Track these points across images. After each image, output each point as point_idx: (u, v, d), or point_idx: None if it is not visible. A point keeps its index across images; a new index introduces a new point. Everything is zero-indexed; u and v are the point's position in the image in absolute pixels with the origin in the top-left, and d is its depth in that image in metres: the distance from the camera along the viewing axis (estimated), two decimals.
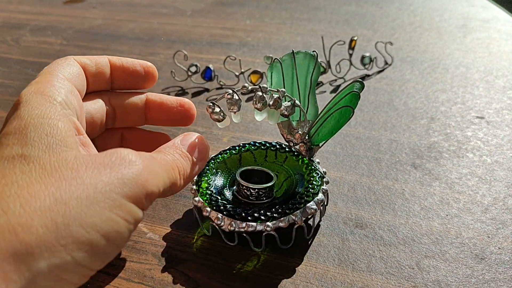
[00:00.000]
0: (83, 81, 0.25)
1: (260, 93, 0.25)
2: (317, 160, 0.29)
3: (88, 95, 0.26)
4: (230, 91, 0.25)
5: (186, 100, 0.28)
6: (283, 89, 0.25)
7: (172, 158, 0.23)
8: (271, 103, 0.25)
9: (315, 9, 0.66)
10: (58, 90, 0.22)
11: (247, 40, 0.56)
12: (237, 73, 0.45)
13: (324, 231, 0.28)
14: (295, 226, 0.25)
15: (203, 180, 0.27)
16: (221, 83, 0.45)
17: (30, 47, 0.57)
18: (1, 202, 0.17)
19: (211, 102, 0.26)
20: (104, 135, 0.28)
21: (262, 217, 0.25)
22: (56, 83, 0.22)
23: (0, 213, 0.16)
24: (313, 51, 0.28)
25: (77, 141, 0.21)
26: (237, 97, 0.25)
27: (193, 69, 0.45)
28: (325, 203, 0.28)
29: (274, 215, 0.25)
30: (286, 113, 0.25)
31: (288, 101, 0.26)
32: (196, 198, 0.26)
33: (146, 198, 0.20)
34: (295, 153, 0.29)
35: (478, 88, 0.43)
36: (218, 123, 0.26)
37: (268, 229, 0.24)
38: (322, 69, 0.45)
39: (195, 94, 0.44)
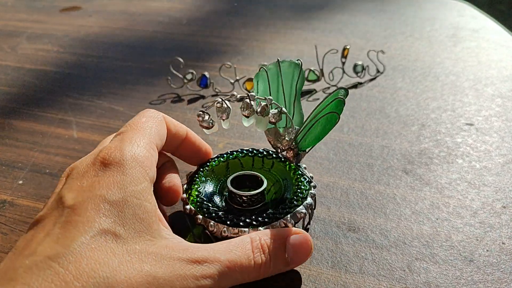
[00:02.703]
0: (164, 139, 0.27)
1: (248, 101, 0.26)
2: (304, 165, 0.30)
3: (150, 114, 0.28)
4: (220, 100, 0.26)
5: (209, 148, 0.30)
6: (270, 97, 0.26)
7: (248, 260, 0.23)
8: (258, 110, 0.26)
9: (308, 19, 0.67)
10: (151, 163, 0.24)
11: (242, 48, 0.57)
12: (232, 81, 0.46)
13: (317, 234, 0.28)
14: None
15: (193, 188, 0.28)
16: (216, 90, 0.46)
17: (27, 54, 0.58)
18: (94, 277, 0.19)
19: (200, 110, 0.27)
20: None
21: (254, 223, 0.25)
22: (151, 151, 0.24)
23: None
24: (297, 60, 0.29)
25: (158, 225, 0.22)
26: (226, 105, 0.26)
27: (189, 76, 0.46)
28: (313, 207, 0.28)
29: (265, 220, 0.25)
30: (273, 120, 0.26)
31: (275, 109, 0.26)
32: (187, 206, 0.27)
33: None
34: (282, 159, 0.30)
35: (468, 96, 0.44)
36: (205, 130, 0.27)
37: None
38: (315, 77, 0.46)
39: (191, 101, 0.45)
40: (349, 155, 0.36)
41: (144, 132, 0.25)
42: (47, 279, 0.18)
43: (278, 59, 0.29)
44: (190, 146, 0.29)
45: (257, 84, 0.29)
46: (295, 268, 0.26)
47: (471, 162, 0.35)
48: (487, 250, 0.27)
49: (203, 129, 0.27)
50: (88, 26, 0.67)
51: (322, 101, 0.27)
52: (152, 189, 0.24)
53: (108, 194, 0.21)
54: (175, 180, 0.27)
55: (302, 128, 0.28)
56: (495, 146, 0.36)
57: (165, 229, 0.23)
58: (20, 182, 0.34)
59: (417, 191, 0.32)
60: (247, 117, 0.26)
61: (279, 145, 0.29)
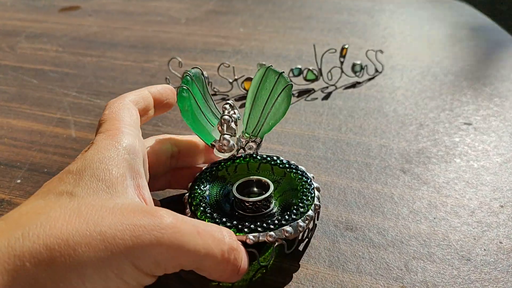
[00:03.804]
0: (139, 120, 0.27)
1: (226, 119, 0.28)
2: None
3: (158, 138, 0.29)
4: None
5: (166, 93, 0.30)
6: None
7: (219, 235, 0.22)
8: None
9: (307, 18, 0.67)
10: (124, 136, 0.24)
11: (241, 48, 0.57)
12: (230, 80, 0.46)
13: (315, 233, 0.28)
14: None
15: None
16: (215, 89, 0.46)
17: (26, 54, 0.58)
18: (27, 225, 0.18)
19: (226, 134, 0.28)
20: (172, 173, 0.30)
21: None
22: (124, 129, 0.24)
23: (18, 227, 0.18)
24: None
25: (128, 187, 0.22)
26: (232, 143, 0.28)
27: None
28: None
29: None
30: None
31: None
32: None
33: (160, 268, 0.20)
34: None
35: (466, 95, 0.44)
36: (219, 154, 0.28)
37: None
38: (313, 77, 0.46)
39: None
40: (347, 154, 0.36)
41: (110, 117, 0.25)
42: None
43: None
44: (159, 99, 0.29)
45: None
46: (291, 267, 0.26)
47: (469, 161, 0.35)
48: (485, 250, 0.27)
49: (220, 152, 0.28)
50: (87, 26, 0.67)
51: (257, 87, 0.29)
52: (136, 160, 0.23)
53: (72, 166, 0.22)
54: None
55: (256, 121, 0.29)
56: (493, 145, 0.36)
57: (137, 197, 0.22)
58: (18, 181, 0.34)
59: (414, 190, 0.32)
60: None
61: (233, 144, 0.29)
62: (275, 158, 0.30)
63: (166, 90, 0.30)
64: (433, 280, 0.25)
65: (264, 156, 0.30)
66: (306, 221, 0.25)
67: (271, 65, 0.29)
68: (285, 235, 0.24)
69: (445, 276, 0.25)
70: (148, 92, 0.29)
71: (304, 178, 0.28)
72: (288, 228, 0.24)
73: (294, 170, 0.29)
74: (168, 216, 0.20)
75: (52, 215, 0.19)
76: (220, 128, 0.28)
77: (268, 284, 0.25)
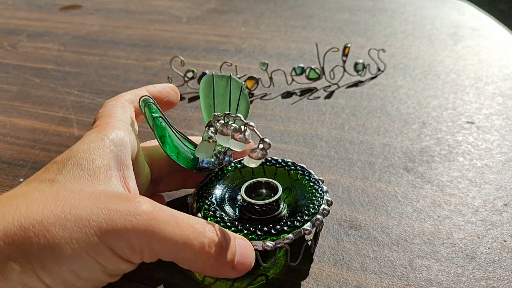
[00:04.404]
0: (133, 117, 0.27)
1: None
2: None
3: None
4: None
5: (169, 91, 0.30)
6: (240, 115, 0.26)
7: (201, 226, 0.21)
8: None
9: (309, 17, 0.67)
10: (113, 129, 0.24)
11: (243, 46, 0.57)
12: None
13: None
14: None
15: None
16: None
17: (27, 52, 0.58)
18: (3, 202, 0.19)
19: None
20: (185, 172, 0.30)
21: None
22: (113, 123, 0.25)
23: None
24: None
25: (112, 177, 0.22)
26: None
27: (189, 74, 0.46)
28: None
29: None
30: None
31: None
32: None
33: (136, 253, 0.19)
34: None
35: (469, 94, 0.44)
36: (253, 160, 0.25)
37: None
38: (316, 75, 0.46)
39: (191, 100, 0.45)
40: (350, 153, 0.36)
41: (103, 115, 0.26)
42: None
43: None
44: (158, 96, 0.29)
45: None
46: (295, 265, 0.26)
47: (472, 160, 0.35)
48: (489, 248, 0.27)
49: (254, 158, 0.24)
50: (89, 25, 0.67)
51: (211, 97, 0.29)
52: (123, 152, 0.23)
53: (58, 157, 0.22)
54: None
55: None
56: (496, 144, 0.36)
57: (121, 187, 0.22)
58: (21, 180, 0.34)
59: (418, 189, 0.32)
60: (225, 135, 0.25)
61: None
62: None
63: (166, 89, 0.30)
64: (437, 278, 0.25)
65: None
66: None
67: (213, 72, 0.29)
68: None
69: (449, 275, 0.25)
70: (146, 91, 0.29)
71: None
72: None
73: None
74: (145, 203, 0.20)
75: (29, 197, 0.19)
76: (239, 136, 0.25)
77: (272, 282, 0.25)
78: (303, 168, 0.29)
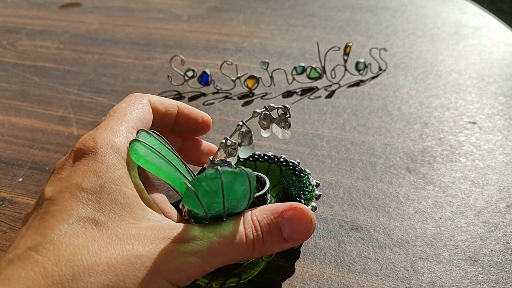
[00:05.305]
0: (149, 122, 0.27)
1: (267, 112, 0.26)
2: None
3: (135, 97, 0.27)
4: (241, 123, 0.25)
5: (206, 116, 0.30)
6: (287, 105, 0.26)
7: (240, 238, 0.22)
8: (276, 120, 0.26)
9: (310, 16, 0.67)
10: (124, 146, 0.23)
11: (243, 45, 0.57)
12: (233, 78, 0.45)
13: (320, 233, 0.28)
14: None
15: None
16: (217, 87, 0.46)
17: (26, 51, 0.57)
18: (73, 261, 0.18)
19: (224, 138, 0.25)
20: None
21: None
22: (129, 136, 0.24)
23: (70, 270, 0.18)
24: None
25: (142, 209, 0.22)
26: (247, 129, 0.25)
27: (189, 73, 0.46)
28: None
29: None
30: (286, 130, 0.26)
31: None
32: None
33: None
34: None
35: (471, 94, 0.44)
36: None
37: None
38: (317, 75, 0.46)
39: (191, 99, 0.45)
40: (352, 153, 0.36)
41: (123, 118, 0.25)
42: (26, 268, 0.18)
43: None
44: (185, 120, 0.29)
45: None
46: (297, 268, 0.26)
47: (474, 160, 0.34)
48: (492, 250, 0.27)
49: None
50: (89, 23, 0.67)
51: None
52: (134, 174, 0.23)
53: (84, 182, 0.21)
54: (205, 115, 0.30)
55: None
56: (499, 144, 0.36)
57: (153, 213, 0.22)
58: (20, 179, 0.34)
59: (420, 190, 0.32)
60: (266, 128, 0.26)
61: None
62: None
63: (197, 116, 0.29)
64: (440, 281, 0.25)
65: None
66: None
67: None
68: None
69: (452, 277, 0.25)
70: (176, 106, 0.28)
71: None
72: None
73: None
74: (196, 239, 0.21)
75: (91, 247, 0.19)
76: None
77: (273, 284, 0.25)
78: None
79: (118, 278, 0.19)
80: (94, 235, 0.20)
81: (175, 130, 0.29)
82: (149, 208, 0.22)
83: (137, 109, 0.26)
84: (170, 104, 0.28)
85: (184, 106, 0.29)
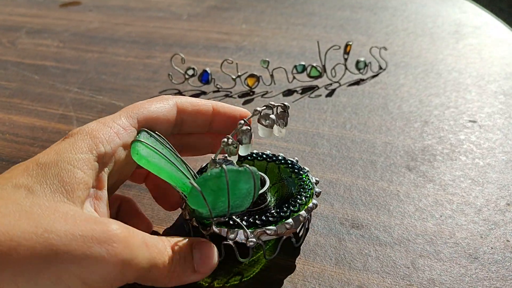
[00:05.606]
0: (166, 123, 0.26)
1: (266, 111, 0.25)
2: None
3: (160, 97, 0.27)
4: (242, 121, 0.25)
5: (244, 112, 0.28)
6: (287, 103, 0.26)
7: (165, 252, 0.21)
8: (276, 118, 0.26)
9: (310, 15, 0.67)
10: (107, 139, 0.23)
11: (244, 44, 0.57)
12: (234, 77, 0.45)
13: (321, 231, 0.28)
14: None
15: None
16: (218, 86, 0.46)
17: (26, 49, 0.57)
18: None
19: (226, 137, 0.24)
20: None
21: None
22: (118, 128, 0.23)
23: None
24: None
25: (85, 196, 0.21)
26: (248, 127, 0.25)
27: (190, 72, 0.46)
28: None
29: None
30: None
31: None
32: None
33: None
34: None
35: (471, 92, 0.44)
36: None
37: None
38: (317, 73, 0.46)
39: (192, 97, 0.45)
40: (352, 151, 0.36)
41: (126, 112, 0.24)
42: None
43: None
44: (222, 118, 0.27)
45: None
46: (298, 265, 0.26)
47: (474, 159, 0.34)
48: (492, 248, 0.27)
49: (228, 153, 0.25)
50: (88, 21, 0.67)
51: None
52: (105, 168, 0.23)
53: (43, 157, 0.21)
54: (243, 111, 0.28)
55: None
56: (499, 143, 0.36)
57: (93, 207, 0.21)
58: None
59: (420, 188, 0.32)
60: (267, 127, 0.26)
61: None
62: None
63: (235, 112, 0.28)
64: (440, 278, 0.25)
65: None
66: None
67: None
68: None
69: (452, 275, 0.25)
70: (211, 106, 0.27)
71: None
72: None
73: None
74: (119, 228, 0.20)
75: (2, 210, 0.19)
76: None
77: (274, 281, 0.25)
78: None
79: (11, 244, 0.18)
80: (18, 200, 0.19)
81: (213, 131, 0.28)
82: (92, 202, 0.22)
83: (152, 107, 0.25)
84: (203, 105, 0.27)
85: (220, 105, 0.28)
